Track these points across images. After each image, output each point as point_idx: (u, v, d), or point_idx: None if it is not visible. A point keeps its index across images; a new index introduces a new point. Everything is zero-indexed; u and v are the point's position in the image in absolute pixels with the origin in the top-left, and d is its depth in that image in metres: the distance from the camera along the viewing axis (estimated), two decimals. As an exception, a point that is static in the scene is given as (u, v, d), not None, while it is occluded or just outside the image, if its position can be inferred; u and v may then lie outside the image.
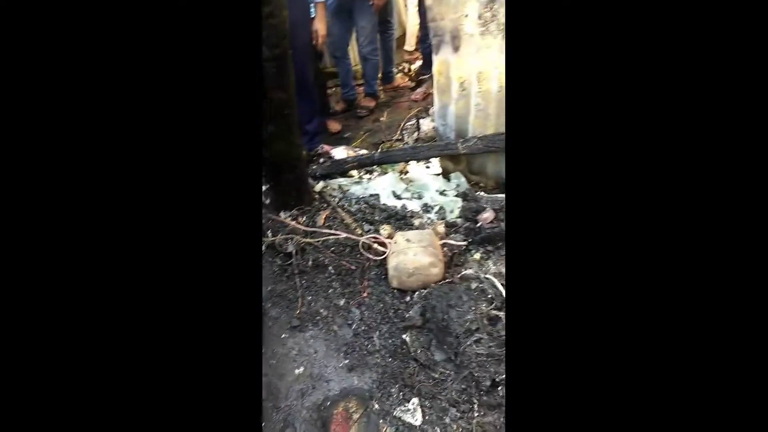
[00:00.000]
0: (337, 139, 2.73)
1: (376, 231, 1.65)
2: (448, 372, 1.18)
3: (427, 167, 2.18)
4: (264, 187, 1.83)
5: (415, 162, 2.14)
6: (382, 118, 3.02)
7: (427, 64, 2.95)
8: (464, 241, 1.55)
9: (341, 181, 2.07)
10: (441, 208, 1.82)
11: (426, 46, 2.85)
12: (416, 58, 3.65)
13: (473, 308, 1.23)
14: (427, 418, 1.11)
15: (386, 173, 2.11)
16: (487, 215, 1.64)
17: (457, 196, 1.87)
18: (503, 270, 1.39)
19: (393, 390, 1.18)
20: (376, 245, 1.54)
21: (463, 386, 1.14)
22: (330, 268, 1.55)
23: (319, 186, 1.98)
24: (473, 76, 1.74)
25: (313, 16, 2.32)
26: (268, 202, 1.79)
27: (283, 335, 1.36)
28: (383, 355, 1.28)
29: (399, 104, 3.17)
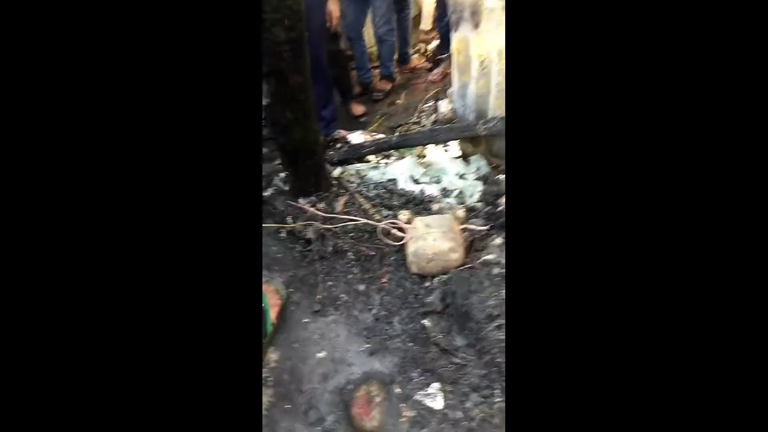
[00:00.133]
0: (354, 124, 2.70)
1: (395, 216, 1.63)
2: (469, 357, 1.18)
3: (446, 150, 2.13)
4: (282, 174, 1.83)
5: (433, 145, 2.10)
6: (398, 101, 2.96)
7: (445, 44, 2.85)
8: (485, 225, 1.52)
9: (359, 166, 2.05)
10: (460, 192, 1.79)
11: (443, 24, 2.74)
12: (433, 38, 3.53)
13: (495, 294, 1.21)
14: (448, 402, 1.12)
15: (404, 157, 2.08)
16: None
17: (477, 179, 1.83)
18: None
19: (414, 374, 1.19)
20: (394, 231, 1.53)
21: (484, 371, 1.14)
22: (349, 253, 1.55)
23: (336, 172, 1.97)
24: (494, 53, 1.67)
25: (327, -3, 2.26)
26: (287, 188, 1.80)
27: (305, 320, 1.38)
28: (404, 340, 1.29)
29: (416, 86, 3.10)
